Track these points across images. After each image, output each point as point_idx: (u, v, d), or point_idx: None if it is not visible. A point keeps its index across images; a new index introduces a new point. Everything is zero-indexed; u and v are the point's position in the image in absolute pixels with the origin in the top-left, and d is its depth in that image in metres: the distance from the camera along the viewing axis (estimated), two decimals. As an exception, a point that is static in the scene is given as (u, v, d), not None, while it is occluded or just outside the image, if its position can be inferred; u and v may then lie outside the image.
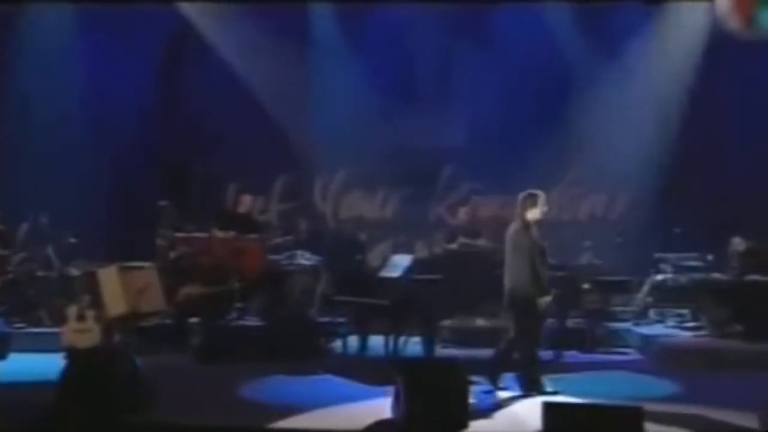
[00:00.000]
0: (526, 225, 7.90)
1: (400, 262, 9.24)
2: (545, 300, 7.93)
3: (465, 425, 6.30)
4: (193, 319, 10.26)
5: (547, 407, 6.07)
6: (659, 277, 11.27)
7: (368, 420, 6.75)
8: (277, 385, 8.35)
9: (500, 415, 7.12)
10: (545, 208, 8.03)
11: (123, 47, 12.83)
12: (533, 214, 7.91)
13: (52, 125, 12.51)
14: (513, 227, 7.99)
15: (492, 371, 7.98)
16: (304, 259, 11.37)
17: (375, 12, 13.23)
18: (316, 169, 13.66)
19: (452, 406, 6.31)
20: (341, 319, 10.07)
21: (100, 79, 12.79)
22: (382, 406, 7.00)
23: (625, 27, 12.94)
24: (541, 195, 8.00)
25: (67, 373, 6.34)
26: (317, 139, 13.30)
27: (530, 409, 6.93)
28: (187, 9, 13.00)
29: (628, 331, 10.91)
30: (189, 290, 10.29)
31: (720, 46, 11.93)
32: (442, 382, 6.39)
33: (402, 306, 8.69)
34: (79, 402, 6.14)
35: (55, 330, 10.04)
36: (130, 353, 7.02)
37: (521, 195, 8.05)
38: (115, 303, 9.93)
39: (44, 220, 10.94)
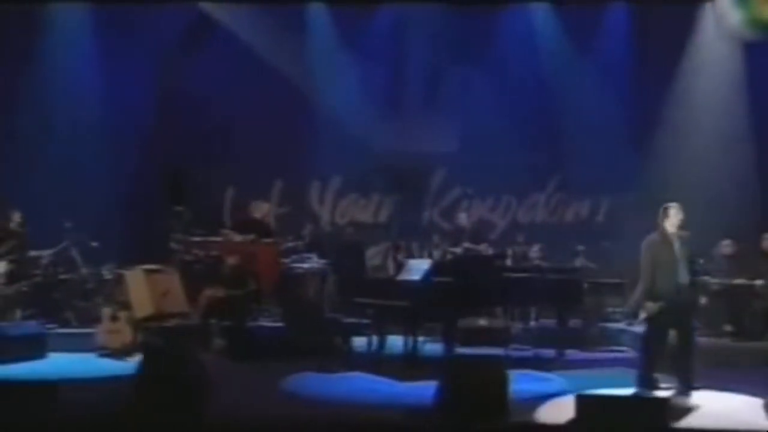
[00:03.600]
0: (664, 235, 8.42)
1: (419, 266, 9.81)
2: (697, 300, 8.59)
3: (505, 416, 6.85)
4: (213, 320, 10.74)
5: (580, 399, 6.67)
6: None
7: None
8: (311, 382, 8.75)
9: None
10: (676, 219, 8.41)
11: (141, 49, 13.13)
12: (670, 224, 8.40)
13: (71, 129, 12.87)
14: (651, 237, 8.51)
15: (645, 373, 8.49)
16: (312, 262, 11.90)
17: (371, 18, 13.64)
18: (313, 173, 14.00)
19: (493, 400, 6.87)
20: (356, 320, 10.60)
21: (117, 83, 13.06)
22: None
23: (613, 31, 13.40)
24: (673, 206, 8.47)
25: (143, 373, 6.78)
26: (313, 144, 13.62)
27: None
28: (188, 13, 13.38)
29: (623, 331, 11.54)
30: (211, 292, 10.73)
31: (712, 46, 12.63)
32: (484, 377, 6.95)
33: (424, 308, 9.28)
34: (157, 400, 6.59)
35: (84, 331, 10.55)
36: (197, 354, 7.47)
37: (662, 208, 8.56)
38: (143, 304, 10.41)
39: (68, 224, 11.31)
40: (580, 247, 12.35)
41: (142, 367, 7.00)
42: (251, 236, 11.41)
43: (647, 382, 8.34)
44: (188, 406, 6.75)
